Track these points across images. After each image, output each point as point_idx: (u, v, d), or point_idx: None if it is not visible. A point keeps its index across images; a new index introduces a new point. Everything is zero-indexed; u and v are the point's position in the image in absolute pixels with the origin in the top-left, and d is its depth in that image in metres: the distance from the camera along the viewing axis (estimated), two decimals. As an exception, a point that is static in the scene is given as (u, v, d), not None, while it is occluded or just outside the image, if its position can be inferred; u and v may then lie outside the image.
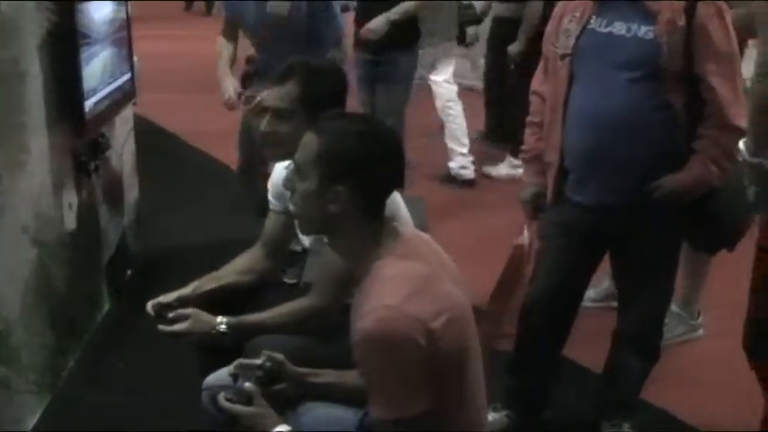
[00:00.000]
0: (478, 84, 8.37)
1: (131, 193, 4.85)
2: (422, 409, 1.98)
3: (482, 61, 7.99)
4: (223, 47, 4.49)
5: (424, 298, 1.99)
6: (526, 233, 3.60)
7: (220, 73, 4.39)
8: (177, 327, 2.65)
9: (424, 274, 2.05)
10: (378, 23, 5.17)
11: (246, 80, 4.49)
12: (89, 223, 4.00)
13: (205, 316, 2.66)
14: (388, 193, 2.17)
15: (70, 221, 3.73)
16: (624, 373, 3.24)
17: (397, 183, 2.19)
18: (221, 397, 2.23)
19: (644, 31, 2.79)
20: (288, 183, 2.18)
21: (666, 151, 2.86)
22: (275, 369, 2.31)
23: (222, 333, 2.64)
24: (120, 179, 4.60)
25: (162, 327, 2.66)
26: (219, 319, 2.66)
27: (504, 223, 5.14)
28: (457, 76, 8.57)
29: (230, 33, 4.53)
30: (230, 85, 4.32)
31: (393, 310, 1.93)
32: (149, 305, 2.74)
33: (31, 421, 3.28)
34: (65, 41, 3.44)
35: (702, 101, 2.82)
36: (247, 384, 2.23)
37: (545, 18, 5.88)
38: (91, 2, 3.63)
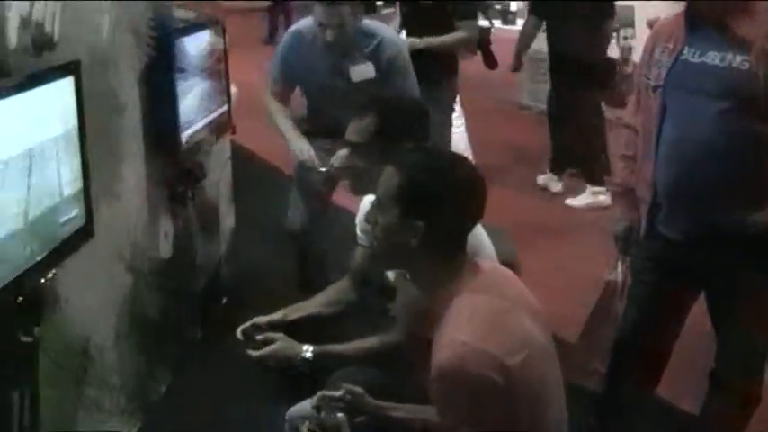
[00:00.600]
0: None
1: (227, 221, 4.94)
2: None
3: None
4: (278, 109, 4.34)
5: (500, 334, 1.99)
6: (619, 268, 3.55)
7: (291, 136, 4.23)
8: (264, 350, 2.74)
9: (502, 310, 2.05)
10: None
11: None
12: (184, 252, 4.09)
13: (292, 342, 2.76)
14: (467, 228, 2.17)
15: (165, 250, 3.82)
16: (718, 415, 3.12)
17: (477, 218, 2.19)
18: (304, 428, 2.27)
19: (739, 60, 2.71)
20: (370, 216, 2.21)
21: (760, 184, 2.78)
22: (355, 402, 2.33)
23: (306, 360, 2.69)
24: (216, 208, 4.69)
25: (249, 351, 2.74)
26: (305, 346, 2.74)
27: (587, 252, 5.09)
28: (539, 100, 8.54)
29: (286, 97, 4.40)
30: (305, 145, 4.16)
31: (468, 345, 1.93)
32: (239, 330, 2.87)
33: (123, 444, 3.36)
34: (162, 75, 3.54)
35: None
36: (340, 415, 2.27)
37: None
38: (188, 36, 3.73)
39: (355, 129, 2.77)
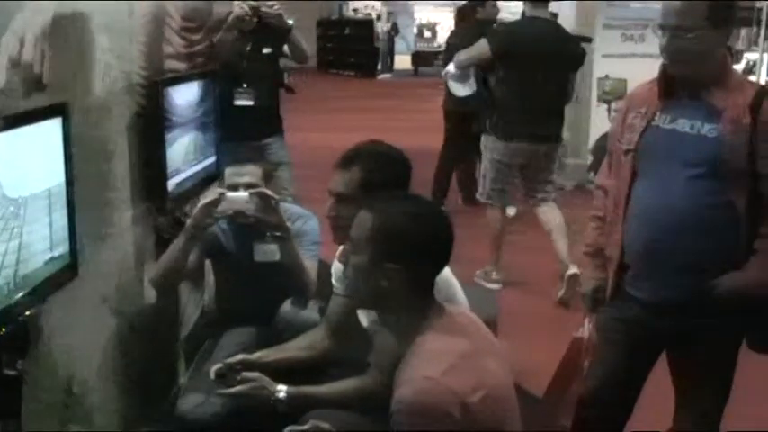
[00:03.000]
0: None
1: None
2: None
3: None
4: None
5: (463, 372, 2.05)
6: (586, 326, 3.60)
7: None
8: (239, 388, 2.78)
9: (465, 350, 2.12)
10: None
11: None
12: (168, 298, 4.13)
13: (267, 382, 2.80)
14: (436, 271, 2.26)
15: (150, 295, 3.87)
16: None
17: (444, 262, 2.28)
18: None
19: (707, 128, 2.79)
20: (342, 257, 2.29)
21: (726, 250, 2.84)
22: None
23: (280, 400, 2.74)
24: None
25: (221, 390, 2.79)
26: (280, 386, 2.78)
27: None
28: None
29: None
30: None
31: (431, 381, 2.00)
32: (212, 370, 2.89)
33: (102, 485, 3.37)
34: (151, 123, 3.63)
35: (765, 199, 2.80)
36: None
37: None
38: (177, 86, 3.83)
39: (340, 180, 2.80)
